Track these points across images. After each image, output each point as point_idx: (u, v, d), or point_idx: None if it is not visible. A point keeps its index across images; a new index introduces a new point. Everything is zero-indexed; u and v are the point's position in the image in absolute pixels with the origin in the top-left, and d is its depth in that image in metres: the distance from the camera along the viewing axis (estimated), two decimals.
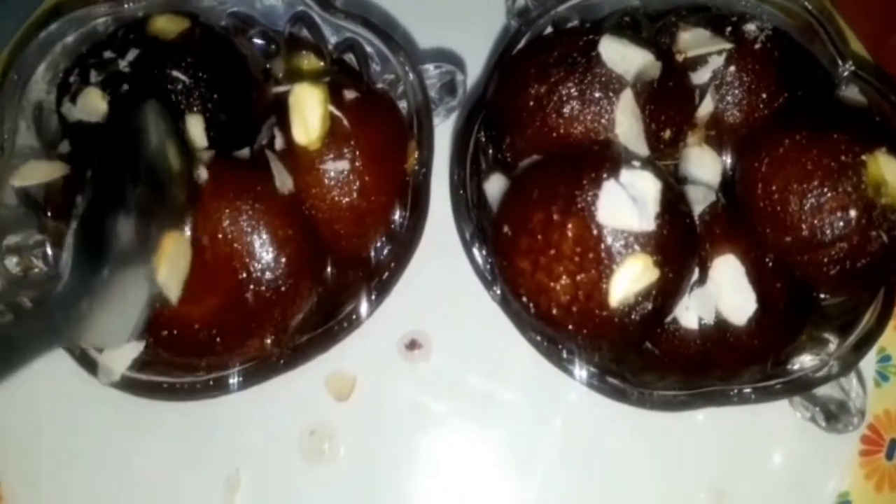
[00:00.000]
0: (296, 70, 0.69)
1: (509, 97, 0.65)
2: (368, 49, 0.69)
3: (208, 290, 0.60)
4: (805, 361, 0.66)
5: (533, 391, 0.76)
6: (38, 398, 0.74)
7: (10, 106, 0.66)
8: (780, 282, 0.63)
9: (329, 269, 0.67)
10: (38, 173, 0.65)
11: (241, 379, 0.64)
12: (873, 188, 0.59)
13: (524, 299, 0.61)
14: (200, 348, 0.62)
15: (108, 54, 0.65)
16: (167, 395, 0.64)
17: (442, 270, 0.73)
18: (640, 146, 0.62)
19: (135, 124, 0.59)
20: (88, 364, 0.64)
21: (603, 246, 0.57)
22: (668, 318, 0.62)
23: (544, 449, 0.76)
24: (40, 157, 0.67)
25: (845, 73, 0.67)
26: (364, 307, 0.65)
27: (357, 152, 0.63)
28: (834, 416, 0.68)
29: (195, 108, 0.64)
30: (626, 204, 0.57)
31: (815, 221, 0.59)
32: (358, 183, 0.64)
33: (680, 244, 0.59)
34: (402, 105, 0.69)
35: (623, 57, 0.61)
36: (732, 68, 0.66)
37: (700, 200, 0.63)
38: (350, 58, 0.71)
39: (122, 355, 0.63)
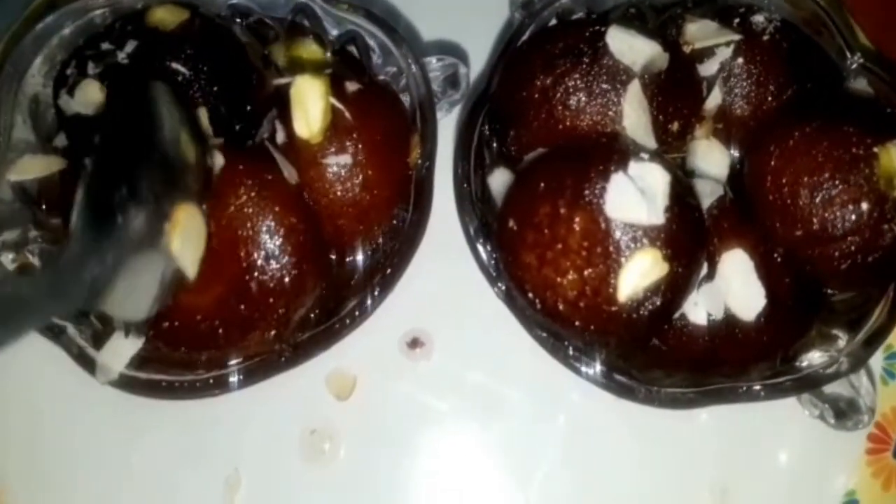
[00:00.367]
0: (297, 60, 0.68)
1: (514, 89, 0.64)
2: (370, 41, 0.68)
3: (212, 278, 0.59)
4: (814, 358, 0.65)
5: (535, 390, 0.75)
6: (37, 398, 0.74)
7: (6, 99, 0.65)
8: (789, 277, 0.62)
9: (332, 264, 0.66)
10: (35, 168, 0.64)
11: (241, 377, 0.63)
12: (885, 181, 0.58)
13: (530, 295, 0.60)
14: (202, 340, 0.61)
15: (106, 46, 0.64)
16: (166, 393, 0.63)
17: (444, 267, 0.73)
18: (647, 139, 0.61)
19: (147, 109, 0.58)
20: (87, 363, 0.63)
21: (611, 240, 0.56)
22: (676, 314, 0.61)
23: (547, 447, 0.75)
24: (37, 151, 0.66)
25: (854, 66, 0.66)
26: (366, 304, 0.64)
27: (359, 145, 0.62)
28: (844, 413, 0.67)
29: (196, 101, 0.63)
30: (635, 197, 0.56)
31: (826, 214, 0.59)
32: (360, 177, 0.63)
33: (689, 238, 0.58)
34: (405, 98, 0.68)
35: (630, 48, 0.60)
36: (740, 60, 0.65)
37: (708, 194, 0.62)
38: (352, 50, 0.70)
39: (121, 351, 0.62)
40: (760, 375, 0.64)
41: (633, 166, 0.57)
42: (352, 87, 0.63)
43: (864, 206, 0.58)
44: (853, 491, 0.75)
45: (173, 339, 0.61)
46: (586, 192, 0.57)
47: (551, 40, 0.64)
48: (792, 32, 0.66)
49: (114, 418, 0.73)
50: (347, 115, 0.62)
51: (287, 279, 0.60)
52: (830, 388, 0.66)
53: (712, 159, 0.65)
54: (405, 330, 0.76)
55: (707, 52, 0.65)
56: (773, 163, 0.61)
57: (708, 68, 0.65)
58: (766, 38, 0.65)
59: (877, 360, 0.75)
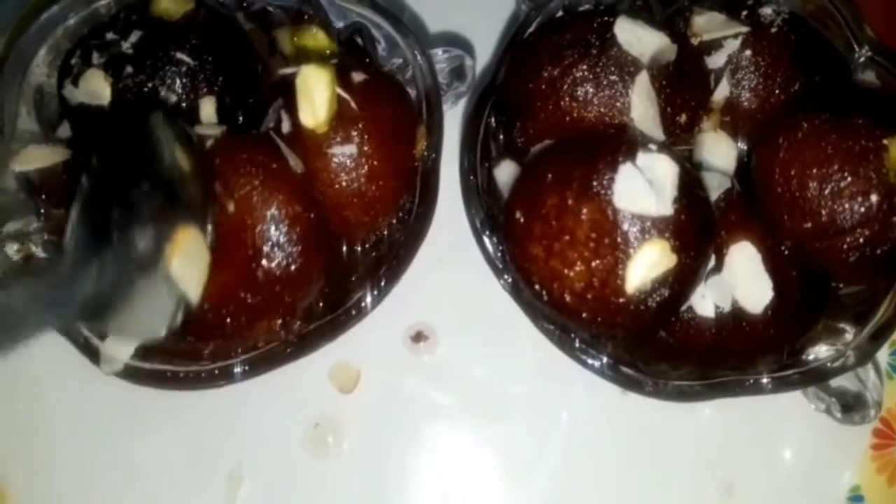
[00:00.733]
0: (303, 49, 0.67)
1: (521, 80, 0.64)
2: (376, 33, 0.68)
3: (218, 267, 0.59)
4: (821, 351, 0.65)
5: (540, 384, 0.75)
6: (40, 391, 0.74)
7: (11, 90, 0.65)
8: (797, 270, 0.62)
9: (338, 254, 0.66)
10: (39, 158, 0.64)
11: (246, 368, 0.63)
12: (894, 173, 0.58)
13: (537, 287, 0.60)
14: (209, 330, 0.61)
15: (110, 36, 0.64)
16: (171, 384, 0.63)
17: (449, 260, 0.73)
18: (655, 130, 0.61)
19: (144, 141, 0.57)
20: (91, 353, 0.62)
21: (619, 231, 0.56)
22: (684, 307, 0.61)
23: (550, 443, 0.75)
24: (41, 141, 0.66)
25: (861, 59, 0.66)
26: (371, 296, 0.64)
27: (365, 136, 0.62)
28: (850, 407, 0.67)
29: (200, 91, 0.63)
30: (643, 188, 0.55)
31: (835, 207, 0.58)
32: (366, 167, 0.62)
33: (697, 229, 0.58)
34: (411, 90, 0.68)
35: (639, 39, 0.60)
36: (748, 52, 0.65)
37: (715, 187, 0.62)
38: (357, 41, 0.69)
39: (125, 343, 0.62)
40: (767, 368, 0.64)
41: (642, 157, 0.56)
42: (358, 77, 0.63)
43: (873, 198, 0.58)
44: (858, 486, 0.75)
45: (180, 329, 0.61)
46: (594, 183, 0.57)
47: (559, 31, 0.63)
48: (800, 25, 0.66)
49: (118, 411, 0.72)
50: (353, 105, 0.61)
51: (293, 267, 0.60)
52: (837, 382, 0.67)
53: (720, 152, 0.64)
54: (409, 323, 0.76)
55: (715, 45, 0.65)
56: (781, 155, 0.61)
57: (716, 60, 0.65)
58: (773, 30, 0.65)
59: (883, 354, 0.75)
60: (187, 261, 0.56)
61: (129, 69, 0.62)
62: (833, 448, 0.75)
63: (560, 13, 0.69)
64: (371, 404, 0.75)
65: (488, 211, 0.66)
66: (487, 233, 0.65)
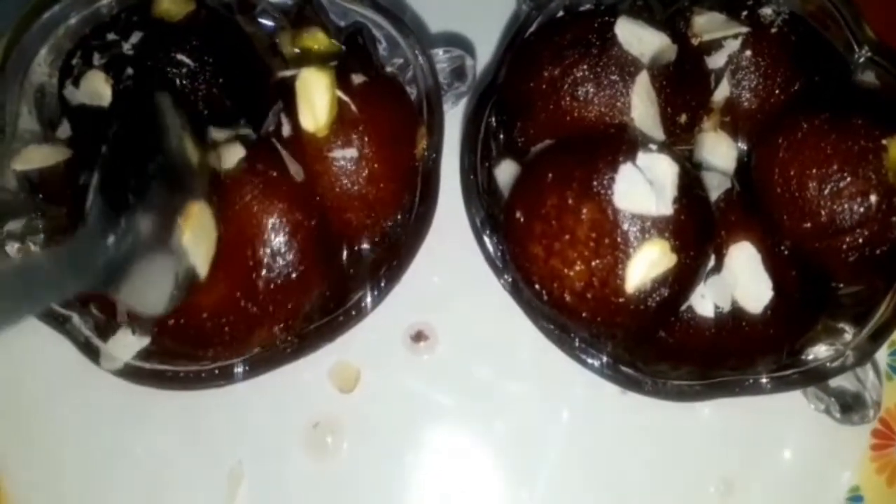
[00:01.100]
0: (303, 51, 0.68)
1: (522, 80, 0.64)
2: (376, 33, 0.68)
3: (218, 276, 0.59)
4: (820, 351, 0.65)
5: (540, 384, 0.75)
6: (40, 391, 0.74)
7: (13, 89, 0.65)
8: (797, 270, 0.62)
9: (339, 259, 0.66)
10: (40, 158, 0.64)
11: (246, 368, 0.63)
12: (893, 173, 0.58)
13: (537, 286, 0.60)
14: (208, 338, 0.61)
15: (111, 37, 0.64)
16: (171, 383, 0.63)
17: (450, 259, 0.73)
18: (655, 130, 0.61)
19: (151, 118, 0.58)
20: (91, 352, 0.62)
21: (619, 231, 0.56)
22: (684, 307, 0.61)
23: (551, 442, 0.75)
24: (42, 141, 0.66)
25: (861, 59, 0.66)
26: (371, 296, 0.64)
27: (366, 139, 0.62)
28: (849, 407, 0.67)
29: (200, 93, 0.63)
30: (643, 188, 0.56)
31: (834, 207, 0.58)
32: (367, 170, 0.62)
33: (697, 229, 0.58)
34: (411, 90, 0.68)
35: (639, 39, 0.60)
36: (748, 53, 0.65)
37: (715, 187, 0.62)
38: (358, 41, 0.69)
39: (127, 345, 0.62)
40: (767, 368, 0.64)
41: (642, 157, 0.57)
42: (358, 79, 0.63)
43: (873, 198, 0.58)
44: (857, 486, 0.75)
45: (179, 337, 0.61)
46: (594, 182, 0.57)
47: (559, 31, 0.64)
48: (800, 25, 0.66)
49: (118, 409, 0.73)
50: (353, 107, 0.62)
51: (294, 275, 0.60)
52: (836, 382, 0.67)
53: (720, 152, 0.64)
54: (409, 323, 0.76)
55: (715, 45, 0.65)
56: (780, 155, 0.61)
57: (716, 61, 0.65)
58: (773, 30, 0.65)
59: (883, 355, 0.75)
60: (198, 234, 0.56)
61: (129, 70, 0.62)
62: (832, 448, 0.75)
63: (561, 13, 0.69)
64: (371, 404, 0.75)
65: (488, 210, 0.66)
66: (487, 232, 0.65)
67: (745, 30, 0.65)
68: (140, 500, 0.73)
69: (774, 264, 0.61)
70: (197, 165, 0.58)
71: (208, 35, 0.64)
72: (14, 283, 0.46)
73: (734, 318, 0.61)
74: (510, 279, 0.64)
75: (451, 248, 0.70)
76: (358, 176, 0.62)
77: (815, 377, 0.64)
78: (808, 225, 0.60)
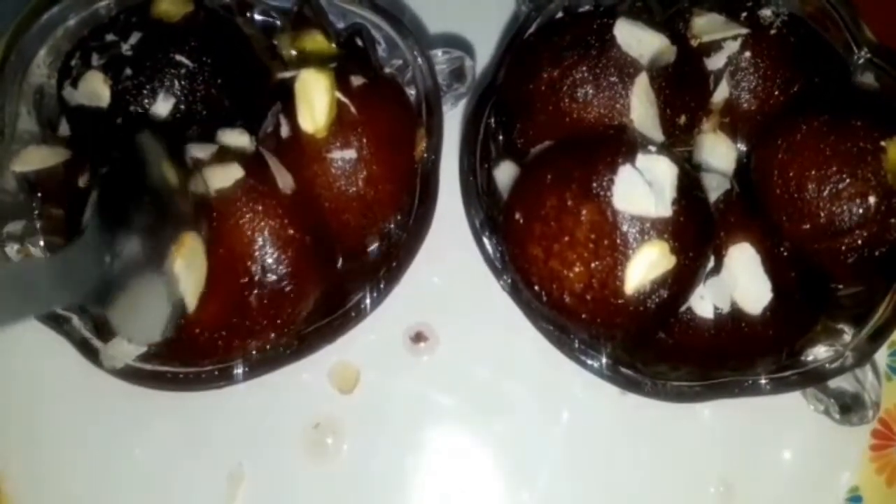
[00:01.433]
0: (303, 52, 0.68)
1: (521, 81, 0.64)
2: (376, 34, 0.68)
3: (211, 294, 0.59)
4: (820, 353, 0.65)
5: (539, 384, 0.75)
6: (39, 390, 0.74)
7: (11, 90, 0.65)
8: (796, 271, 0.62)
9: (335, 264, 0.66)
10: (39, 159, 0.64)
11: (246, 369, 0.63)
12: (892, 175, 0.58)
13: (536, 287, 0.60)
14: (203, 351, 0.61)
15: (110, 37, 0.64)
16: (171, 385, 0.63)
17: (449, 260, 0.73)
18: (655, 132, 0.61)
19: (136, 158, 0.58)
20: (90, 353, 0.62)
21: (618, 232, 0.56)
22: (683, 308, 0.61)
23: (550, 443, 0.75)
24: (40, 142, 0.66)
25: (861, 61, 0.66)
26: (371, 297, 0.64)
27: (364, 140, 0.62)
28: (849, 408, 0.67)
29: (198, 94, 0.63)
30: (643, 189, 0.56)
31: (834, 208, 0.59)
32: (365, 171, 0.62)
33: (697, 231, 0.58)
34: (410, 91, 0.68)
35: (638, 41, 0.60)
36: (748, 54, 0.65)
37: (714, 188, 0.62)
38: (357, 42, 0.69)
39: (125, 350, 0.62)
40: (766, 369, 0.64)
41: (641, 159, 0.57)
42: (357, 80, 0.63)
43: (872, 199, 0.58)
44: (857, 487, 0.74)
45: (174, 351, 0.61)
46: (594, 184, 0.57)
47: (559, 33, 0.64)
48: (799, 27, 0.66)
49: (117, 410, 0.72)
50: (352, 109, 0.62)
51: (287, 289, 0.60)
52: (835, 383, 0.67)
53: (719, 153, 0.64)
54: (409, 324, 0.76)
55: (714, 46, 0.65)
56: (780, 156, 0.61)
57: (715, 62, 0.65)
58: (773, 32, 0.65)
59: (882, 356, 0.75)
60: (189, 264, 0.57)
61: (128, 71, 0.62)
62: (832, 449, 0.75)
63: (560, 14, 0.69)
64: (371, 404, 0.75)
65: (488, 212, 0.66)
66: (487, 233, 0.65)
67: (744, 31, 0.65)
68: (140, 502, 0.73)
69: (774, 265, 0.61)
70: (177, 195, 0.58)
71: (207, 36, 0.64)
72: (8, 288, 0.46)
73: (733, 319, 0.61)
74: (509, 280, 0.64)
75: (451, 250, 0.70)
76: (357, 177, 0.62)
77: (814, 378, 0.64)
78: (808, 226, 0.60)
